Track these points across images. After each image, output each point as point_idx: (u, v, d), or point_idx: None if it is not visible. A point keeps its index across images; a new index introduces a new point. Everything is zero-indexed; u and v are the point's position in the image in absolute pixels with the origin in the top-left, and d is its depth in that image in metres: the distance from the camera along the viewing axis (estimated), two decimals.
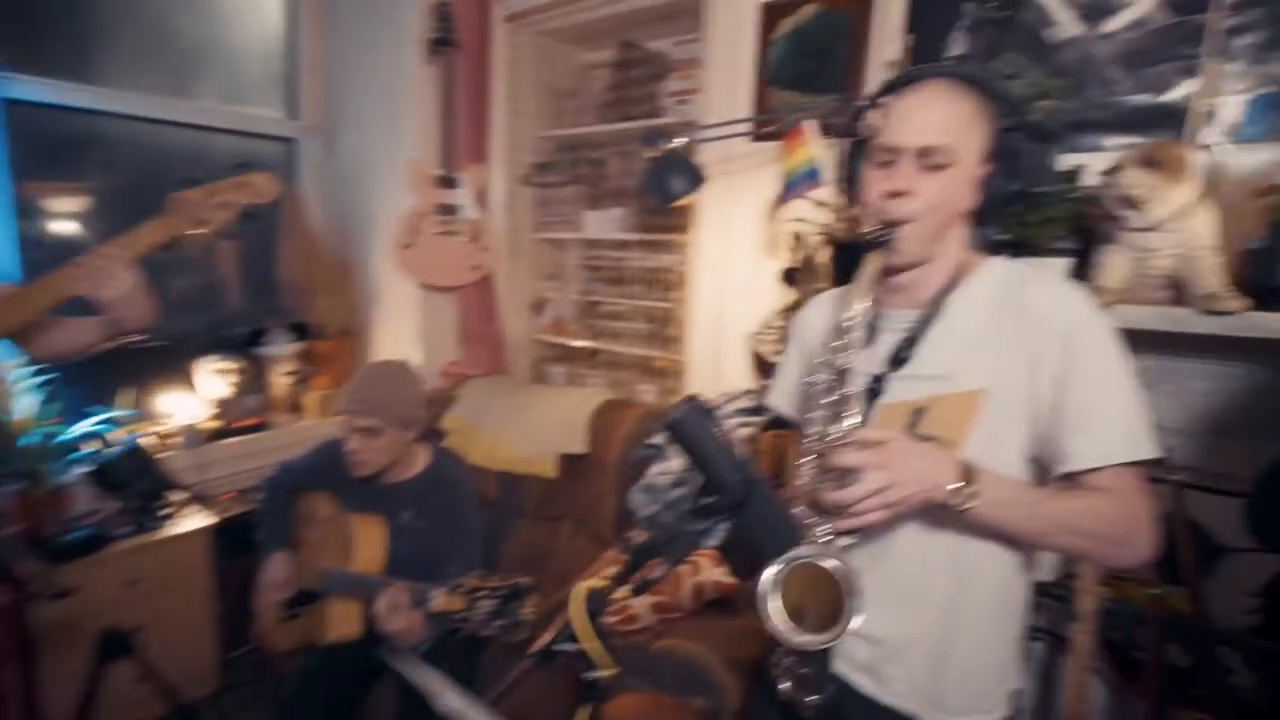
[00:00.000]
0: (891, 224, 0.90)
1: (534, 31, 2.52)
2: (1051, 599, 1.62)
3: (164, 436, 2.38)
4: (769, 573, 0.91)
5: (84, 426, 2.13)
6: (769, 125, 1.71)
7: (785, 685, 1.01)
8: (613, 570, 0.82)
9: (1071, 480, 0.88)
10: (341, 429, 1.69)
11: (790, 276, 1.84)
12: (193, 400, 2.51)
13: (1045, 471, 0.91)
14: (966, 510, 0.82)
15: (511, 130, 2.58)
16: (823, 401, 0.90)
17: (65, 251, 2.32)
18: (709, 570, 1.72)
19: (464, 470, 1.86)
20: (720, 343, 2.23)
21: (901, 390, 0.96)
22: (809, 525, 0.94)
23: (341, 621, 1.68)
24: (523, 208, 2.69)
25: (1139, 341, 1.50)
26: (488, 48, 2.48)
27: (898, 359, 0.96)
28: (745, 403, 2.10)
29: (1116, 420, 0.85)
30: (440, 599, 1.41)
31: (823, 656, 0.98)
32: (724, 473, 0.71)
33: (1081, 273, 1.43)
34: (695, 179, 1.68)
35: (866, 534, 0.99)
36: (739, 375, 2.20)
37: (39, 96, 2.20)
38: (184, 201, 1.34)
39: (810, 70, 1.84)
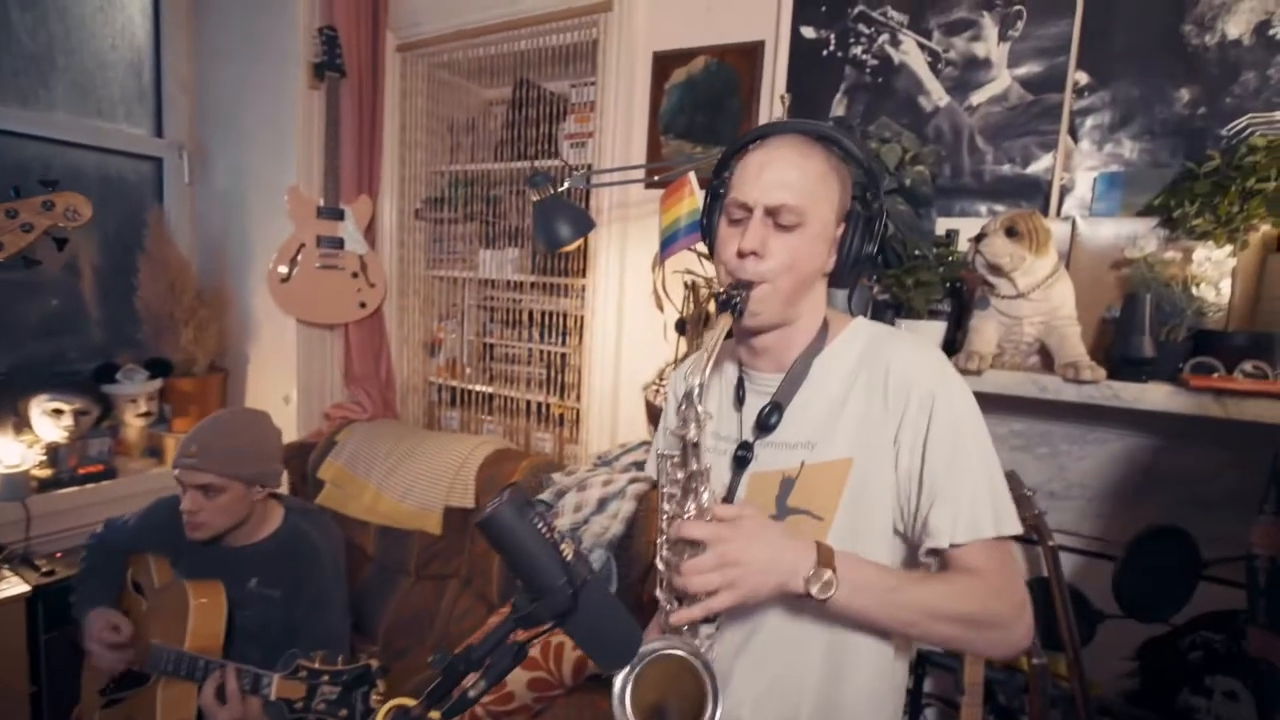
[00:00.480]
0: (743, 285, 0.85)
1: (429, 64, 2.42)
2: (941, 669, 1.62)
3: None
4: (620, 674, 0.83)
5: None
6: (659, 173, 1.67)
7: None
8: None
9: (938, 557, 0.84)
10: (178, 486, 1.50)
11: (681, 327, 1.80)
12: (20, 445, 2.20)
13: (912, 547, 0.87)
14: (825, 600, 0.77)
15: (404, 162, 2.46)
16: (677, 477, 0.83)
17: None
18: None
19: (324, 531, 1.68)
20: (617, 391, 2.16)
21: (769, 459, 0.91)
22: (667, 611, 0.87)
23: (172, 708, 1.47)
24: (414, 244, 2.56)
25: (1013, 405, 1.54)
26: (379, 77, 2.37)
27: (764, 425, 0.91)
28: (641, 455, 2.03)
29: (980, 493, 0.81)
30: (277, 684, 1.26)
31: None
32: (545, 576, 0.62)
33: (956, 337, 1.46)
34: (583, 225, 1.62)
35: (731, 619, 0.93)
36: (636, 425, 2.14)
37: None
38: None
39: (702, 122, 1.84)
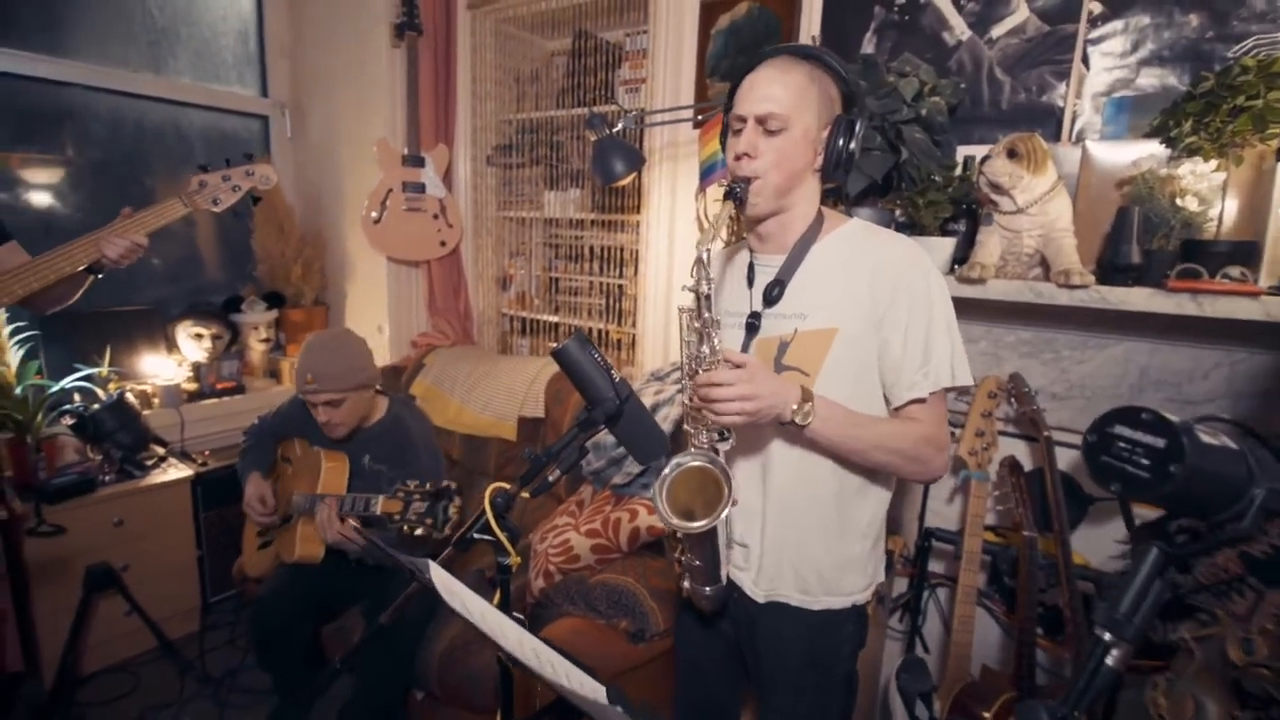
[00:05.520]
0: (742, 180, 1.06)
1: (496, 19, 2.65)
2: (944, 542, 1.84)
3: (146, 395, 2.54)
4: (660, 476, 1.09)
5: (70, 382, 2.28)
6: (704, 113, 1.87)
7: (685, 583, 1.20)
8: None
9: (895, 409, 1.10)
10: (308, 403, 1.85)
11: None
12: (172, 363, 2.66)
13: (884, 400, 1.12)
14: (805, 426, 1.01)
15: (475, 113, 2.73)
16: (694, 325, 1.04)
17: (39, 220, 2.45)
18: (644, 518, 1.91)
19: (419, 418, 2.04)
20: (669, 316, 2.40)
21: (771, 326, 1.14)
22: (691, 437, 1.13)
23: (306, 542, 1.86)
24: (487, 187, 2.84)
25: (1019, 314, 1.71)
26: (452, 34, 2.62)
27: (769, 299, 1.13)
28: None
29: (944, 360, 1.06)
30: (381, 503, 1.60)
31: (711, 551, 1.15)
32: (600, 390, 0.89)
33: (965, 250, 1.63)
34: (634, 161, 1.84)
35: (743, 453, 1.18)
36: None
37: (10, 68, 2.31)
38: (202, 183, 1.53)
39: (744, 65, 1.99)
